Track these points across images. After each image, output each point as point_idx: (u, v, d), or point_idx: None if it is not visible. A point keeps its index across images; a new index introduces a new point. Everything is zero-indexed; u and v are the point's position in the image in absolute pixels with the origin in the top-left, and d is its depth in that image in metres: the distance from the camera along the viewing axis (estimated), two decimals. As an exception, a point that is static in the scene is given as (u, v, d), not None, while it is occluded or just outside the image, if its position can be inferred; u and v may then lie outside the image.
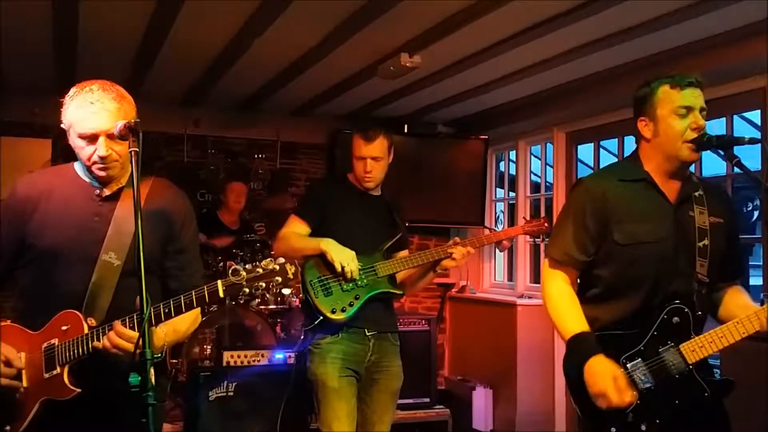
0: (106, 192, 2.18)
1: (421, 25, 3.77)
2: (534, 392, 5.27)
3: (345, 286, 3.10)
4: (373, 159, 3.20)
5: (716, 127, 4.28)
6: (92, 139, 2.06)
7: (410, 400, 5.22)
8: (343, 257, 3.02)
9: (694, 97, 2.28)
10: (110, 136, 2.06)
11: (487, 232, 6.23)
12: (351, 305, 3.09)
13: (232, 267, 1.98)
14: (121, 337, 1.95)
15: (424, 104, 5.58)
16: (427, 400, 5.30)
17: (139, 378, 1.73)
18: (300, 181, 6.20)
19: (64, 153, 5.19)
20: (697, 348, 2.20)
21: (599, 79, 4.54)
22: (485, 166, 6.06)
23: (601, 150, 5.49)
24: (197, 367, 4.51)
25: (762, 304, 2.35)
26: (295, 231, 3.17)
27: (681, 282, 2.28)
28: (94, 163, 2.10)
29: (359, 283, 3.11)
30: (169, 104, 5.59)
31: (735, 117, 4.30)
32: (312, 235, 3.17)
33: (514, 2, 3.32)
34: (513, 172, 6.36)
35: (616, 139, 5.20)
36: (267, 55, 4.32)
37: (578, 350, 2.25)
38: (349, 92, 5.16)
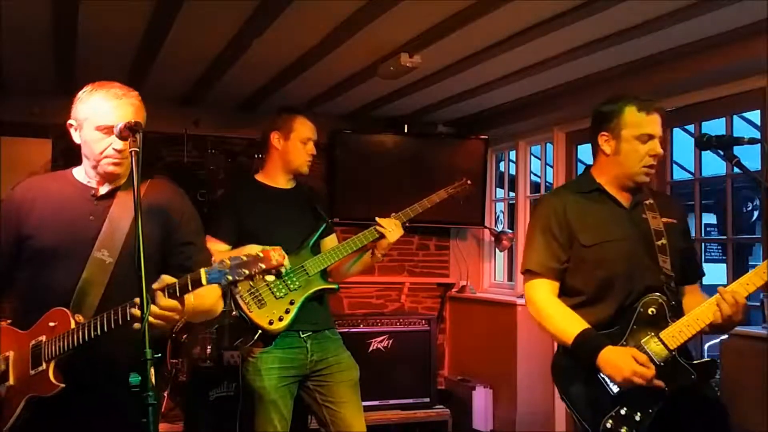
0: (102, 192, 2.18)
1: (421, 25, 3.76)
2: (534, 392, 5.27)
3: (278, 293, 2.97)
4: (313, 141, 3.16)
5: (716, 127, 4.28)
6: (110, 131, 2.07)
7: (410, 400, 5.23)
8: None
9: (656, 124, 2.41)
10: None
11: (486, 231, 6.26)
12: (287, 312, 2.97)
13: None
14: (164, 308, 1.91)
15: (424, 104, 5.57)
16: (427, 400, 5.31)
17: (139, 378, 1.73)
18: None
19: (64, 153, 5.23)
20: (676, 333, 2.28)
21: (599, 79, 4.54)
22: (485, 166, 6.05)
23: (601, 150, 5.48)
24: (197, 367, 4.51)
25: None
26: (216, 249, 2.93)
27: (651, 276, 2.38)
28: (107, 156, 2.11)
29: (291, 286, 2.98)
30: (169, 104, 5.58)
31: (735, 117, 4.29)
32: (234, 249, 3.00)
33: (514, 2, 3.32)
34: (513, 172, 6.35)
35: (616, 139, 5.19)
36: (267, 55, 4.31)
37: (587, 347, 2.29)
38: (349, 92, 5.15)
